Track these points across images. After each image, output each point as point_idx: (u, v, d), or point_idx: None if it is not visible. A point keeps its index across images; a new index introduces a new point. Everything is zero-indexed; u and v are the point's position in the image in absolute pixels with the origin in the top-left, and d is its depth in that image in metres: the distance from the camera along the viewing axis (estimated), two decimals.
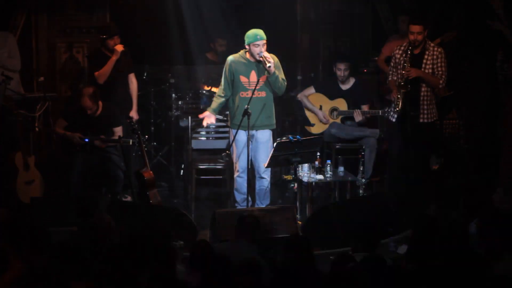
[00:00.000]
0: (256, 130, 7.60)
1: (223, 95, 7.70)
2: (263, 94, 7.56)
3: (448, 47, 8.63)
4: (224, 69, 7.71)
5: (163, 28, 9.91)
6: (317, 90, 8.92)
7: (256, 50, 7.46)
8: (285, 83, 7.61)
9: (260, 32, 7.47)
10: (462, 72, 8.94)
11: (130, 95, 8.71)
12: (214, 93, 8.22)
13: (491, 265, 4.74)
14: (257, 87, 7.49)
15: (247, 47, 7.53)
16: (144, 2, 9.90)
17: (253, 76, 7.58)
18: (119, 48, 8.43)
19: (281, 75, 7.56)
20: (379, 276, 4.62)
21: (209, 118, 7.82)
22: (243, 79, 7.60)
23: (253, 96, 7.43)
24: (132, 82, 8.71)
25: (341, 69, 8.73)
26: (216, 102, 7.77)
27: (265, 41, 7.45)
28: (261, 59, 7.42)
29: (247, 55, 7.59)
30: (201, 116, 7.93)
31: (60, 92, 9.34)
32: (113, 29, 8.64)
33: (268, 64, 7.37)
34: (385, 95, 9.04)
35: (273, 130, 7.81)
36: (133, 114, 8.62)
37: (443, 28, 9.00)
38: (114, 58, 8.42)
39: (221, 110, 7.99)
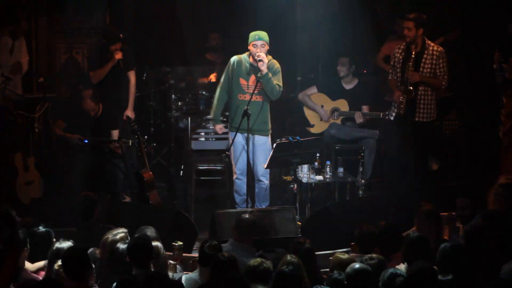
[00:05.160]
0: (253, 135, 7.57)
1: (221, 99, 7.67)
2: (260, 98, 7.53)
3: (452, 46, 8.64)
4: (226, 68, 7.68)
5: (163, 29, 9.91)
6: (319, 90, 8.91)
7: (253, 50, 7.43)
8: (280, 89, 7.52)
9: (261, 34, 7.43)
10: (462, 72, 8.94)
11: (127, 94, 8.63)
12: (213, 84, 8.13)
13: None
14: (255, 91, 7.46)
15: (248, 47, 7.52)
16: (144, 3, 9.89)
17: (253, 80, 7.54)
18: (118, 56, 8.38)
19: (276, 81, 7.48)
20: None
21: (220, 129, 7.86)
22: (242, 81, 7.58)
23: (251, 99, 7.38)
24: (130, 80, 8.59)
25: (340, 64, 8.76)
26: (216, 109, 7.75)
27: (264, 43, 7.39)
28: (256, 58, 7.37)
29: (251, 59, 7.56)
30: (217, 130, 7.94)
31: (59, 93, 9.34)
32: (114, 35, 8.58)
33: (260, 63, 7.31)
34: (384, 96, 9.03)
35: (269, 135, 7.77)
36: (129, 113, 8.51)
37: (446, 26, 9.00)
38: (110, 64, 8.41)
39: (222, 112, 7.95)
